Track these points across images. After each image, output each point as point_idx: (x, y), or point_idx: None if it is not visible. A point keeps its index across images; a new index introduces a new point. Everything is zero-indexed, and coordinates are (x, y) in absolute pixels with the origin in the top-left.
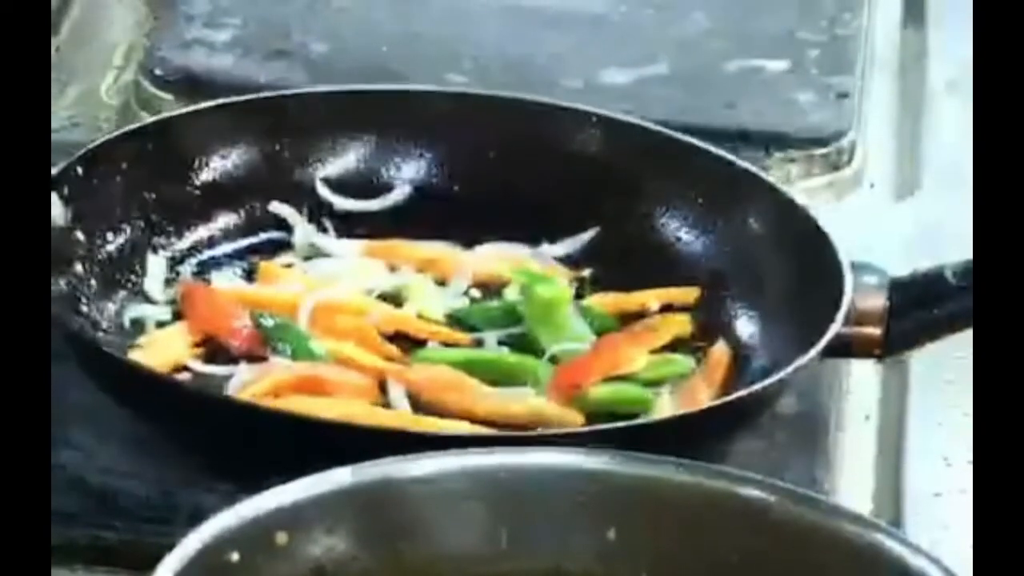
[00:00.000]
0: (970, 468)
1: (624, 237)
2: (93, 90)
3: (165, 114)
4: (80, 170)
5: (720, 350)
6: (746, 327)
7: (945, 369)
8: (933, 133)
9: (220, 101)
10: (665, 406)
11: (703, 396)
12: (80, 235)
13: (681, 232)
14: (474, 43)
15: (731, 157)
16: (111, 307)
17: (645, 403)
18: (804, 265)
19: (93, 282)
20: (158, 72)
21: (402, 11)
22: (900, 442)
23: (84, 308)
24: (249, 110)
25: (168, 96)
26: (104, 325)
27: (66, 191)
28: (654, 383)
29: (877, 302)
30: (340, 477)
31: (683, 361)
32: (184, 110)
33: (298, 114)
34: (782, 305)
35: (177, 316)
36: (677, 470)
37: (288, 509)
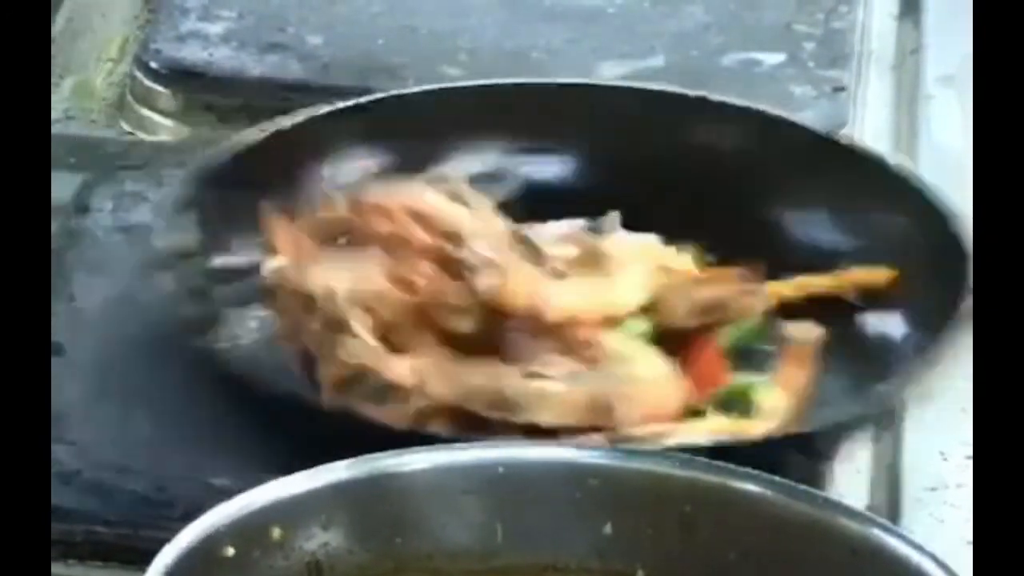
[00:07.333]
0: (966, 463)
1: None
2: (88, 83)
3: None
4: (204, 191)
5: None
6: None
7: (941, 364)
8: (929, 127)
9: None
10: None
11: (798, 381)
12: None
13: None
14: (470, 36)
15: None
16: None
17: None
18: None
19: None
20: (153, 65)
21: (398, 4)
22: (897, 437)
23: None
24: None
25: (163, 89)
26: None
27: (195, 214)
28: None
29: None
30: (335, 471)
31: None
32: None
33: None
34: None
35: None
36: (673, 465)
37: (283, 503)
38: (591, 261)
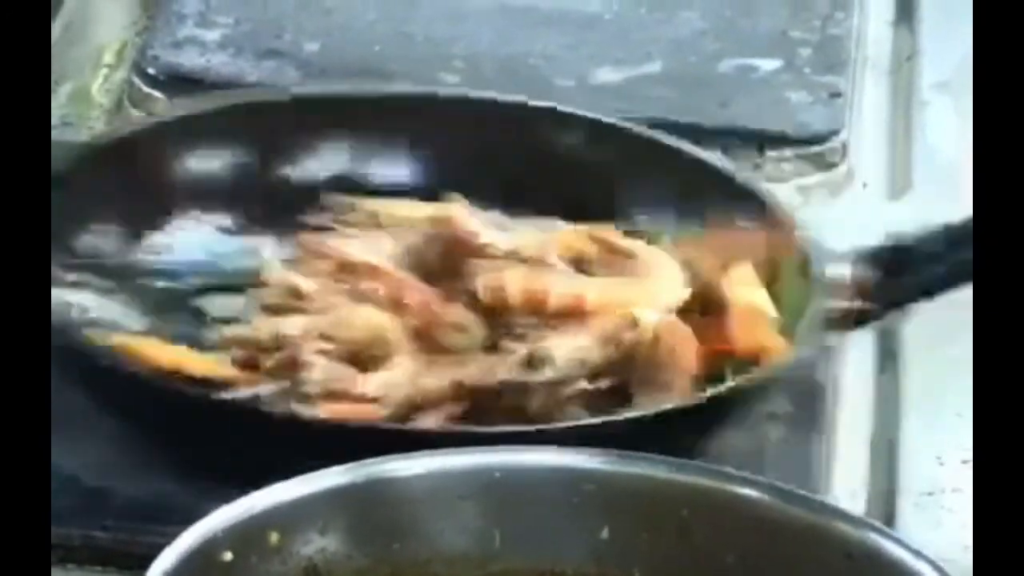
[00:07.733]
0: (963, 467)
1: None
2: (85, 89)
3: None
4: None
5: None
6: None
7: (939, 368)
8: (925, 132)
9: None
10: None
11: None
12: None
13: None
14: (467, 42)
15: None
16: None
17: None
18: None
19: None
20: (150, 71)
21: (394, 10)
22: (893, 441)
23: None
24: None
25: (160, 95)
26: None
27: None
28: None
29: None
30: (333, 476)
31: None
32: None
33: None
34: None
35: None
36: (670, 469)
37: (281, 508)
38: (619, 261)
